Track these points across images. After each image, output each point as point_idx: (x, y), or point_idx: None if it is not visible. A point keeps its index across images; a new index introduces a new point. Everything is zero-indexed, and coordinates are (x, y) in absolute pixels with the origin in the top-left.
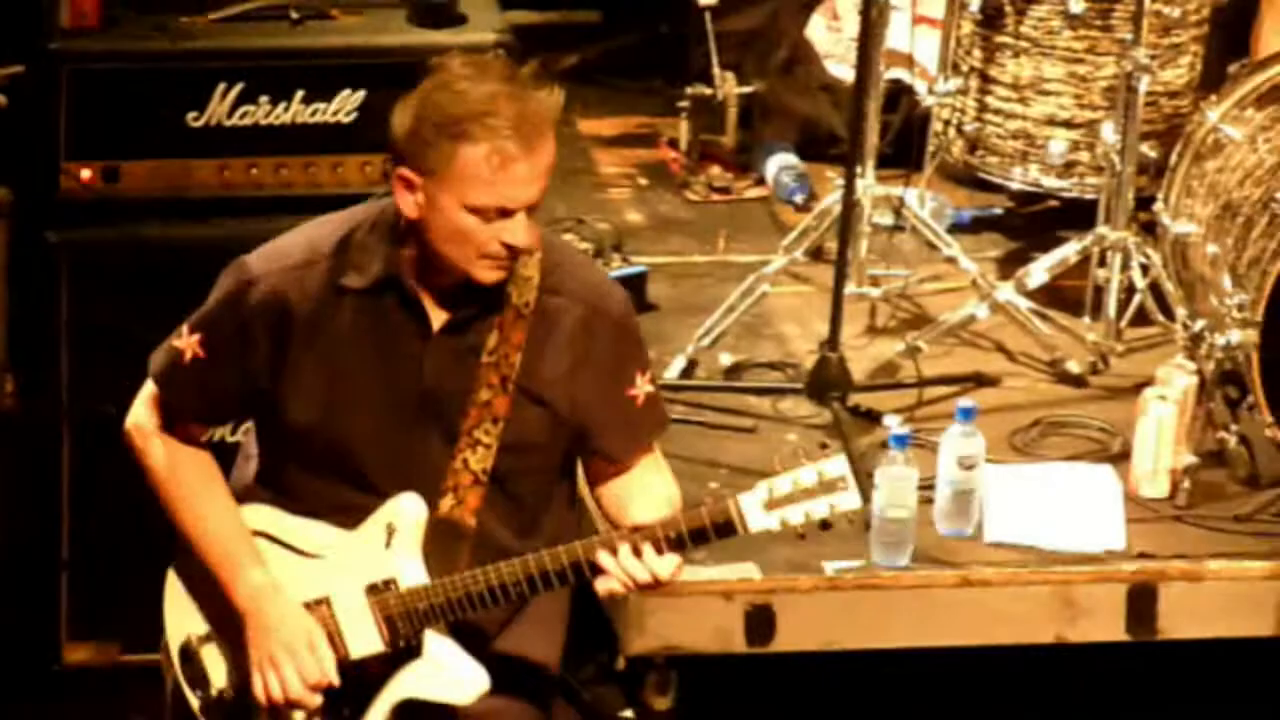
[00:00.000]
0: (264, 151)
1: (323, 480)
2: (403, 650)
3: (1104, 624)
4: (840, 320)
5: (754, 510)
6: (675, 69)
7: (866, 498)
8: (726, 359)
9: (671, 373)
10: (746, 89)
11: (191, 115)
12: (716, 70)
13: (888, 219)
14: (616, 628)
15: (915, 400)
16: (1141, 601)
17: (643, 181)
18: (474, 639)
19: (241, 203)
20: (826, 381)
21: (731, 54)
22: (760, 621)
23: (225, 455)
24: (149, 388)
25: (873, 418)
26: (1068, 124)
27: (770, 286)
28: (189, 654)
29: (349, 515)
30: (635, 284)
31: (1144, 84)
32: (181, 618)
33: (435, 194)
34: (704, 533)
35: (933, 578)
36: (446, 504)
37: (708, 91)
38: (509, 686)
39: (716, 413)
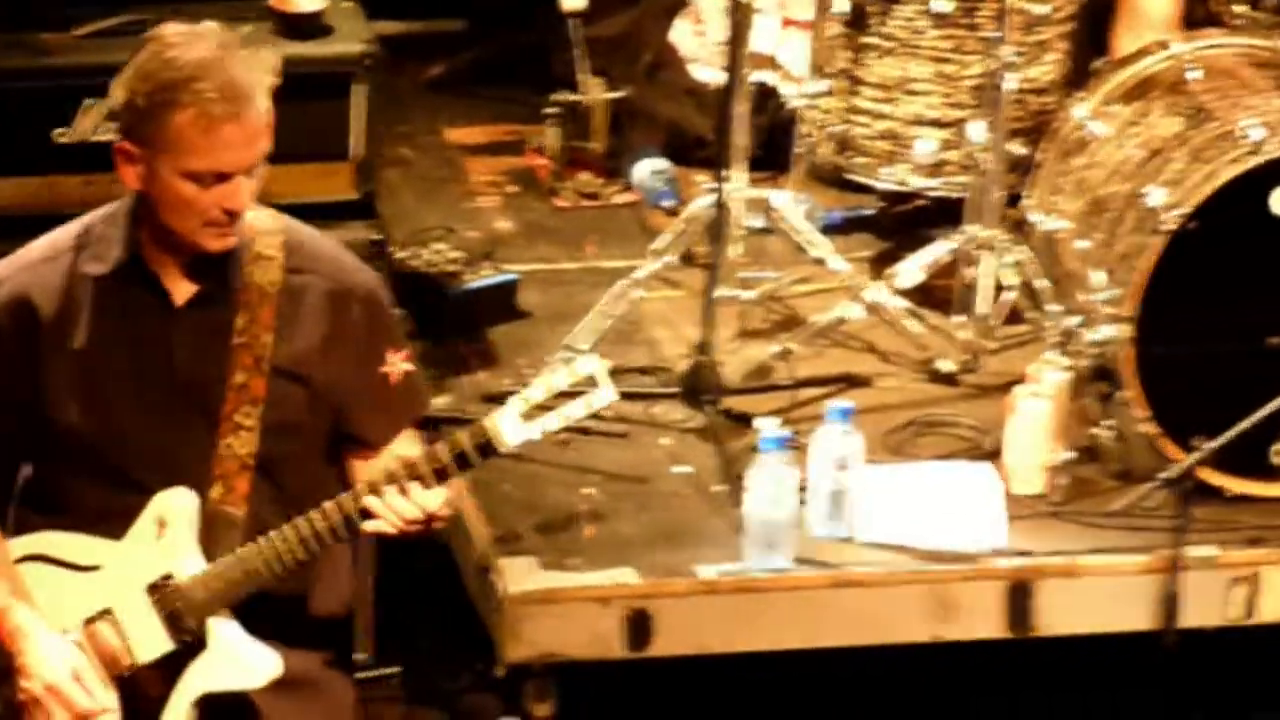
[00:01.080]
0: None
1: (91, 486)
2: (191, 644)
3: (982, 622)
4: (713, 324)
5: (511, 423)
6: (541, 76)
7: (738, 501)
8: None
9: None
10: (613, 94)
11: (57, 131)
12: (583, 76)
13: (758, 221)
14: (494, 635)
15: (789, 402)
16: (1020, 599)
17: (511, 189)
18: (261, 618)
19: None
20: (699, 385)
21: (597, 60)
22: (638, 626)
23: None
24: None
25: (746, 421)
26: (935, 123)
27: (641, 291)
28: None
29: (121, 521)
30: (506, 291)
31: (1010, 82)
32: None
33: (154, 164)
34: (465, 457)
35: (808, 579)
36: (216, 493)
37: (574, 98)
38: (306, 647)
39: (590, 419)
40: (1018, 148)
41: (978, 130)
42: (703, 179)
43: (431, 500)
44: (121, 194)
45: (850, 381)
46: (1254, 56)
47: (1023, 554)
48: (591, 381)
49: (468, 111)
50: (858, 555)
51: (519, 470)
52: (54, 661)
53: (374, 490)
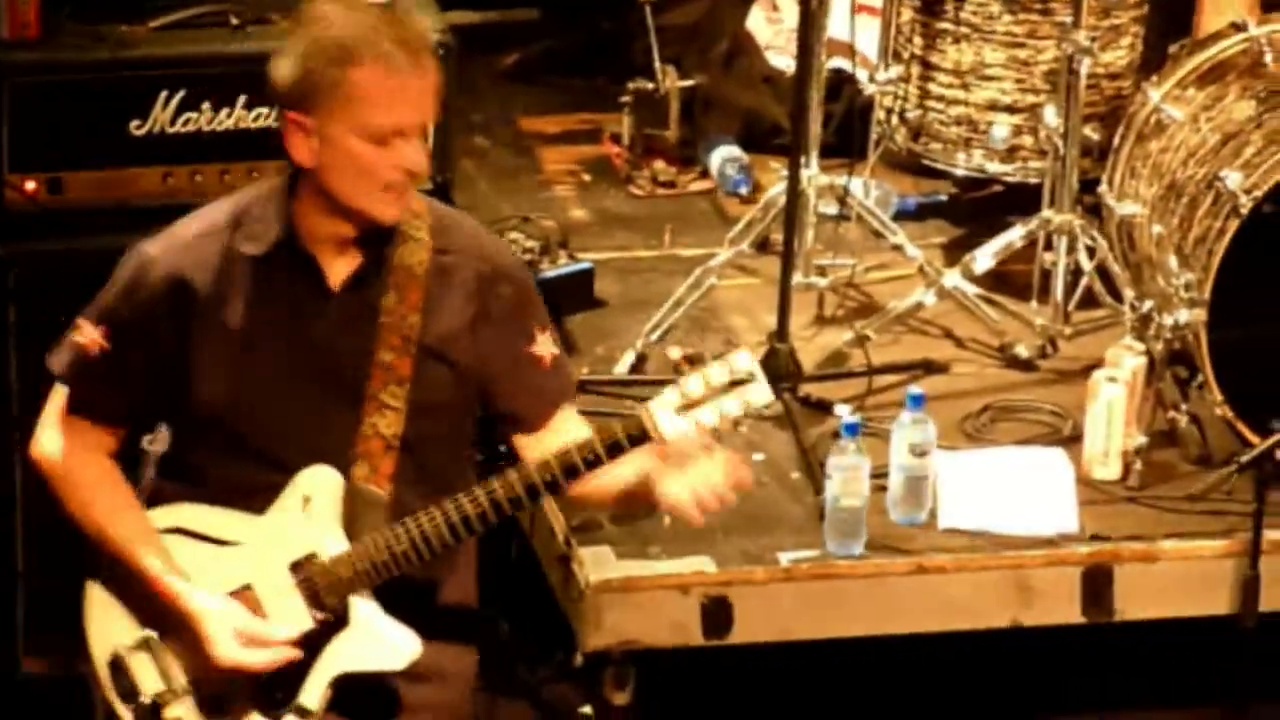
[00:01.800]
0: (208, 158)
1: (234, 463)
2: (331, 624)
3: (1060, 607)
4: (788, 311)
5: (666, 415)
6: (616, 65)
7: (819, 488)
8: (675, 352)
9: (621, 368)
10: (688, 83)
11: (134, 124)
12: (658, 65)
13: (833, 208)
14: (573, 624)
15: (865, 389)
16: (1097, 583)
17: (587, 178)
18: (394, 604)
19: (186, 210)
20: (776, 372)
21: (672, 48)
22: (717, 614)
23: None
24: (52, 404)
25: (823, 408)
26: (1010, 109)
27: (717, 279)
28: (118, 667)
29: (262, 497)
30: (582, 280)
31: (1085, 67)
32: (106, 632)
33: (330, 131)
34: (619, 445)
35: (887, 566)
36: (360, 472)
37: (649, 86)
38: (438, 638)
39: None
40: (1092, 133)
41: (1052, 115)
42: (778, 166)
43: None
44: (213, 187)
45: (927, 368)
46: None
47: (1099, 538)
48: (749, 378)
49: (542, 100)
50: (935, 541)
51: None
52: (213, 631)
53: (527, 482)
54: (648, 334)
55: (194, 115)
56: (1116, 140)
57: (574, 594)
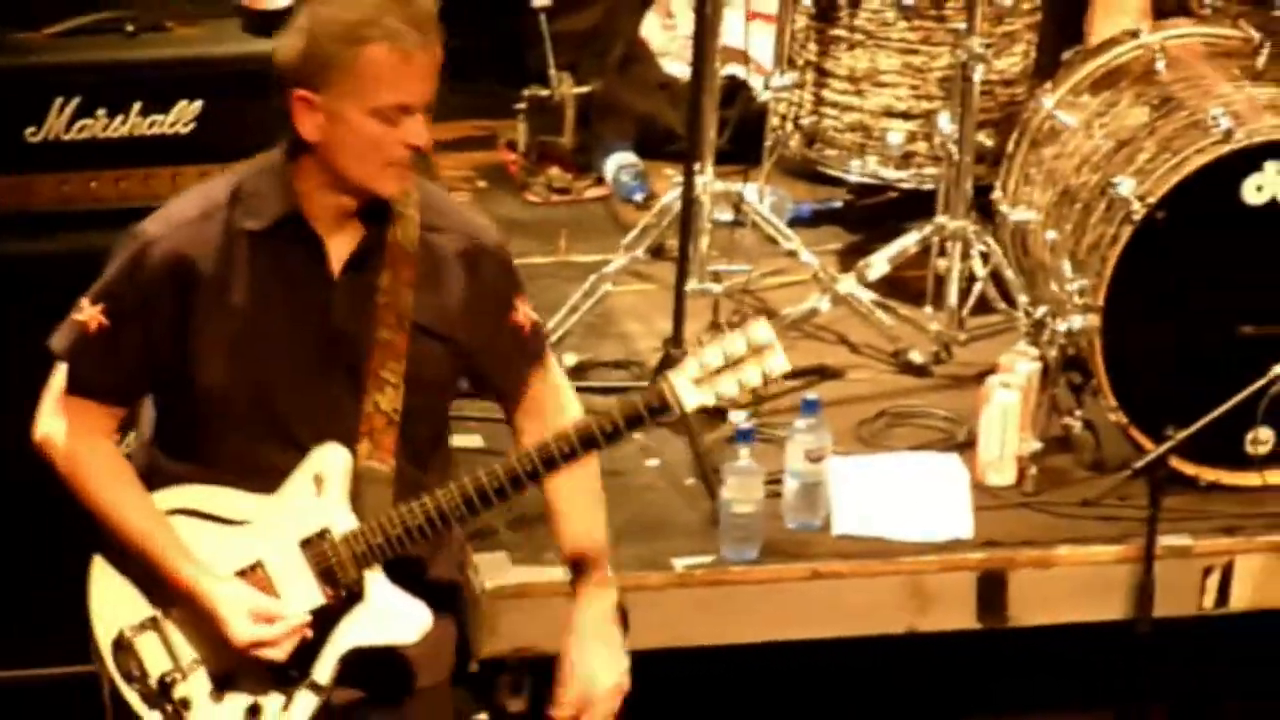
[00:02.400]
0: (104, 165)
1: (238, 441)
2: (344, 599)
3: (955, 614)
4: (683, 317)
5: (686, 387)
6: (512, 71)
7: (714, 494)
8: (571, 359)
9: None
10: (583, 89)
11: (29, 130)
12: (553, 71)
13: (728, 215)
14: (468, 630)
15: (761, 396)
16: (992, 590)
17: (482, 184)
18: (397, 576)
19: (82, 217)
20: None
21: (568, 54)
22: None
23: None
24: (52, 387)
25: (718, 414)
26: (904, 115)
27: (612, 286)
28: (123, 647)
29: (268, 476)
30: None
31: (979, 73)
32: (111, 613)
33: (338, 107)
34: (639, 418)
35: (782, 572)
36: (364, 449)
37: (544, 92)
38: (433, 609)
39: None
40: (986, 139)
41: (946, 122)
42: (673, 173)
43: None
44: (109, 194)
45: (822, 374)
46: (1221, 46)
47: (994, 544)
48: (767, 349)
49: (438, 107)
50: (831, 547)
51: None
52: (228, 613)
53: (545, 454)
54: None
55: (89, 122)
56: (1010, 146)
57: (469, 599)
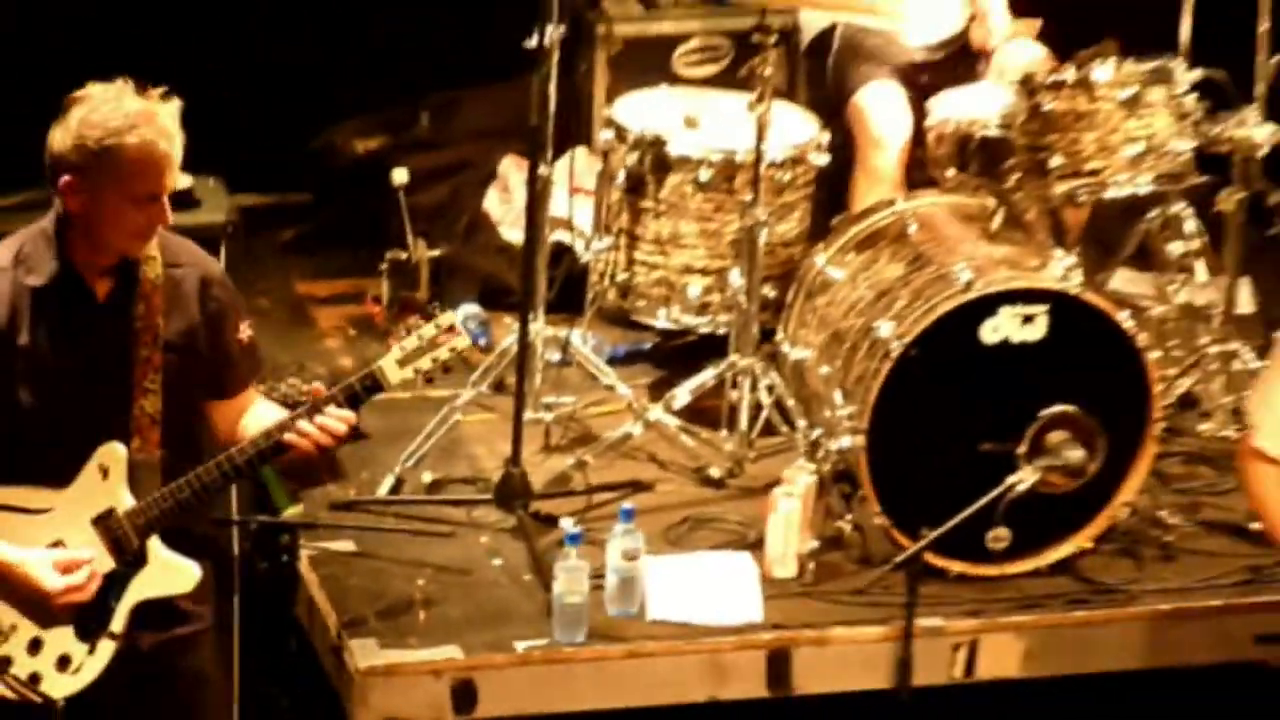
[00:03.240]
0: None
1: (39, 450)
2: (130, 563)
3: (748, 684)
4: (520, 441)
5: (391, 367)
6: (376, 238)
7: (548, 587)
8: (428, 476)
9: (383, 490)
10: (435, 252)
11: None
12: (410, 238)
13: (556, 356)
14: (345, 704)
15: (585, 505)
16: (778, 664)
17: (352, 332)
18: (176, 539)
19: None
20: (511, 492)
21: (422, 224)
22: (464, 693)
23: None
24: None
25: (550, 521)
26: (702, 271)
27: (461, 415)
28: None
29: (63, 473)
30: None
31: (763, 236)
32: None
33: (99, 192)
34: (357, 394)
35: (605, 651)
36: (136, 443)
37: (403, 256)
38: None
39: (422, 521)
40: (770, 291)
41: (737, 276)
42: (510, 321)
43: (335, 424)
44: None
45: (636, 486)
46: (963, 211)
47: (780, 627)
48: (452, 331)
49: (315, 268)
50: (645, 630)
51: (363, 565)
52: (39, 572)
53: (287, 427)
54: (404, 461)
55: None
56: (789, 297)
57: (345, 678)
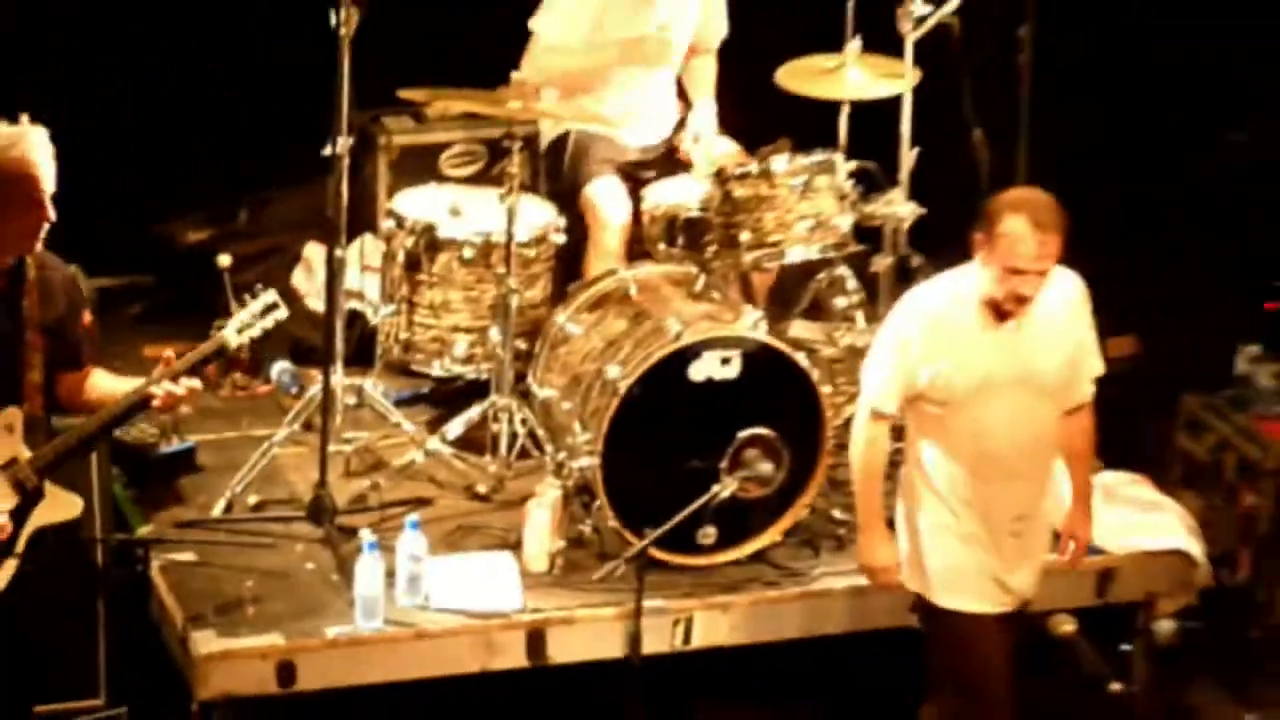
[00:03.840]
0: None
1: None
2: (30, 498)
3: (512, 657)
4: (326, 468)
5: (231, 334)
6: (208, 310)
7: (351, 585)
8: (253, 499)
9: (217, 510)
10: None
11: None
12: (234, 309)
13: (353, 399)
14: (190, 684)
15: (379, 519)
16: (536, 640)
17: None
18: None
19: None
20: (320, 509)
21: (243, 297)
22: (285, 672)
23: None
24: None
25: (352, 532)
26: (468, 330)
27: (279, 449)
28: None
29: None
30: (188, 455)
31: (515, 301)
32: None
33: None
34: (208, 359)
35: (398, 634)
36: (28, 407)
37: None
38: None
39: (249, 535)
40: (521, 344)
41: (496, 333)
42: (315, 373)
43: (188, 387)
44: None
45: (419, 502)
46: (672, 277)
47: (536, 610)
48: (274, 305)
49: (159, 335)
50: (430, 617)
51: (202, 572)
52: None
53: (153, 385)
54: (233, 487)
55: None
56: (537, 348)
57: (190, 663)
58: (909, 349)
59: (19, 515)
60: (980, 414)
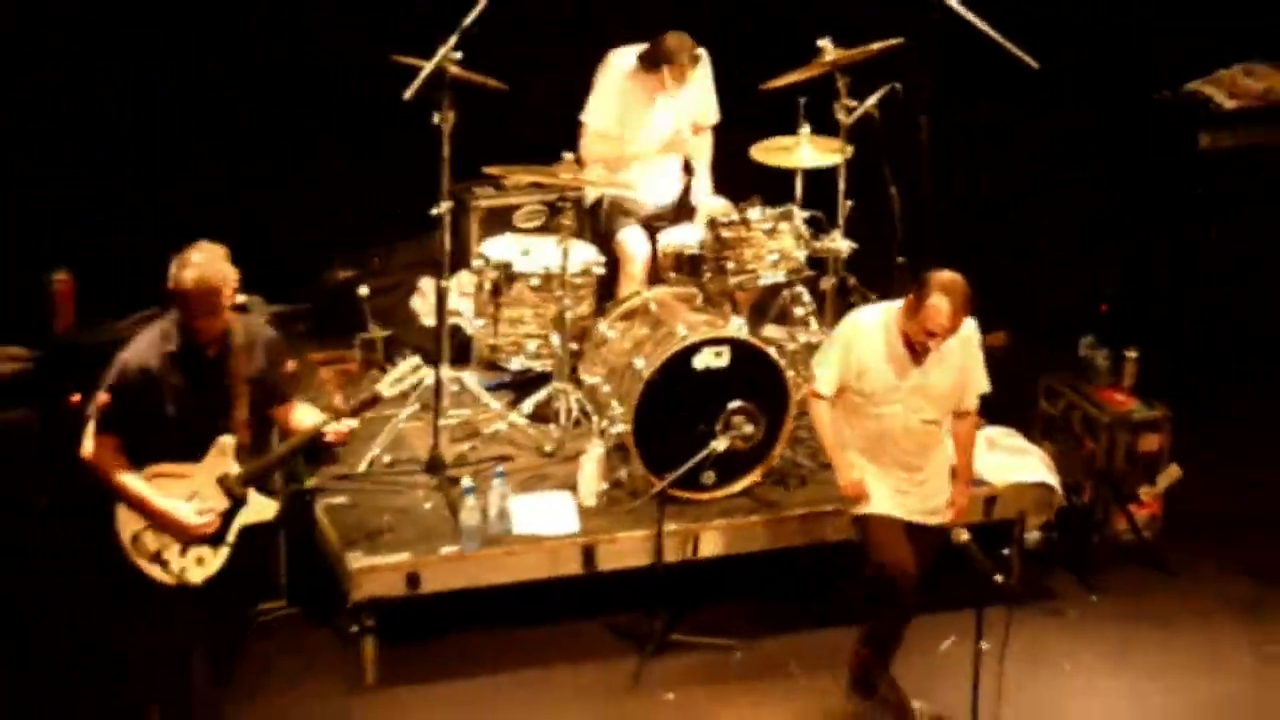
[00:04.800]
0: None
1: (182, 442)
2: (238, 503)
3: (572, 565)
4: (438, 435)
5: (385, 387)
6: (351, 327)
7: (457, 518)
8: (387, 458)
9: (361, 467)
10: (386, 333)
11: None
12: (370, 326)
13: (455, 387)
14: (345, 590)
15: (476, 470)
16: (590, 554)
17: (337, 379)
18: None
19: None
20: (434, 465)
21: (377, 318)
22: (413, 579)
23: None
24: (89, 429)
25: (456, 481)
26: (536, 336)
27: (404, 424)
28: (135, 539)
29: (196, 455)
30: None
31: (569, 315)
32: (126, 527)
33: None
34: (366, 404)
35: (492, 552)
36: (238, 438)
37: (367, 336)
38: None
39: (385, 484)
40: (574, 345)
41: (555, 339)
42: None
43: (351, 425)
44: None
45: (503, 458)
46: (679, 296)
47: (588, 533)
48: (419, 366)
49: (318, 345)
50: (514, 539)
51: (352, 510)
52: (184, 514)
53: (322, 428)
54: (373, 451)
55: None
56: (585, 348)
57: (345, 575)
58: (847, 354)
59: (228, 515)
60: (885, 408)
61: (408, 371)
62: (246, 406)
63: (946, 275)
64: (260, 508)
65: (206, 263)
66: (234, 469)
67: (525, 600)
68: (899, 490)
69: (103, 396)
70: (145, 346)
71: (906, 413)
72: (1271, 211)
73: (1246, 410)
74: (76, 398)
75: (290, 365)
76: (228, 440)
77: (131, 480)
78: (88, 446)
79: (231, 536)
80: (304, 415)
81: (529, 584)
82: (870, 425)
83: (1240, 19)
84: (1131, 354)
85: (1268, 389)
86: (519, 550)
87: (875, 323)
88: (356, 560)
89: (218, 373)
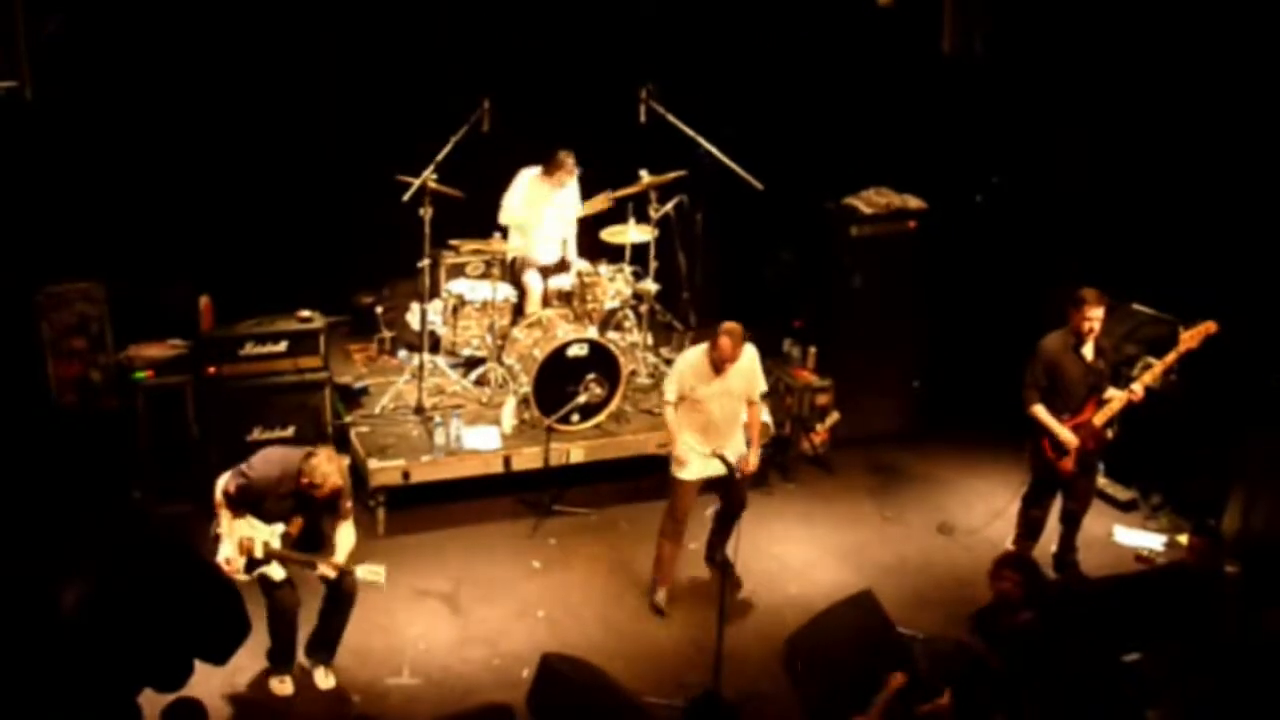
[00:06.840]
0: None
1: (259, 514)
2: (264, 562)
3: (497, 467)
4: (422, 395)
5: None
6: (373, 328)
7: (432, 439)
8: (391, 405)
9: (377, 410)
10: (392, 333)
11: None
12: (382, 329)
13: (431, 365)
14: (366, 479)
15: (443, 413)
16: (508, 461)
17: (369, 360)
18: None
19: None
20: (420, 411)
21: (387, 326)
22: (405, 475)
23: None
24: (219, 499)
25: (432, 419)
26: (479, 336)
27: (402, 385)
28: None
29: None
30: (364, 389)
31: (498, 324)
32: (231, 532)
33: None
34: (347, 572)
35: (451, 460)
36: (294, 527)
37: (383, 335)
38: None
39: (389, 420)
40: (500, 342)
41: (489, 338)
42: (416, 355)
43: (324, 572)
44: None
45: (459, 406)
46: (562, 315)
47: (507, 449)
48: (378, 575)
49: (350, 341)
50: (465, 452)
51: (370, 435)
52: (224, 549)
53: (319, 564)
54: (383, 401)
55: None
56: (506, 343)
57: (367, 473)
58: (684, 375)
59: (252, 564)
60: (706, 406)
61: (374, 571)
62: (301, 521)
63: (730, 324)
64: (274, 570)
65: (337, 471)
66: (275, 544)
67: (471, 486)
68: (710, 457)
69: (232, 486)
70: (275, 475)
71: (720, 408)
72: (894, 270)
73: (874, 377)
74: (213, 369)
75: (348, 502)
76: (280, 527)
77: (224, 515)
78: (219, 498)
79: (250, 576)
80: (335, 532)
81: (473, 478)
82: (699, 416)
83: (874, 158)
84: (812, 349)
85: (875, 361)
86: (467, 458)
87: (695, 356)
88: (374, 463)
89: (309, 506)
